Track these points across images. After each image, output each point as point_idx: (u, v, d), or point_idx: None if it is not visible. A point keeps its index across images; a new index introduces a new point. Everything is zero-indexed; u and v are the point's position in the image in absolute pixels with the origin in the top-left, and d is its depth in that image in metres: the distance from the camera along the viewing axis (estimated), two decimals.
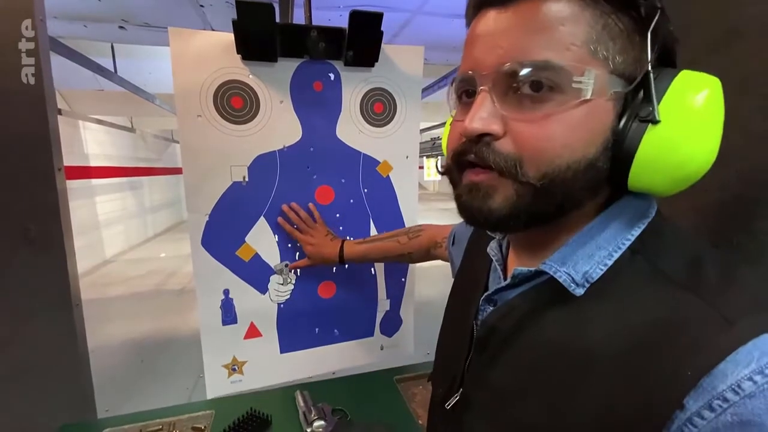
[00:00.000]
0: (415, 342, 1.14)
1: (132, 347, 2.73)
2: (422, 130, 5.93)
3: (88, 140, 4.68)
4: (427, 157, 8.44)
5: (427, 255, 0.84)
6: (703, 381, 0.24)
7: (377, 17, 0.84)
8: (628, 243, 0.32)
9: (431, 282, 2.68)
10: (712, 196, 0.54)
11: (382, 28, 0.87)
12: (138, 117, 5.55)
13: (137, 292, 3.85)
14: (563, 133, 0.29)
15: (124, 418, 0.85)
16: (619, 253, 0.32)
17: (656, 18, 0.29)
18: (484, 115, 0.30)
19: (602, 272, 0.31)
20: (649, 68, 0.29)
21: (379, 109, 0.98)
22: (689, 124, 0.28)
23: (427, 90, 2.99)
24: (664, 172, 0.29)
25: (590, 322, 0.31)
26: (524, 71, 0.29)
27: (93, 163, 4.77)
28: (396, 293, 1.10)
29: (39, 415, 0.90)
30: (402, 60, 0.97)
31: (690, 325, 0.26)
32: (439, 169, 0.41)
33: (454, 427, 0.41)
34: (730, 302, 0.27)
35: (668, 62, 0.32)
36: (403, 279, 1.10)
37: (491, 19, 0.31)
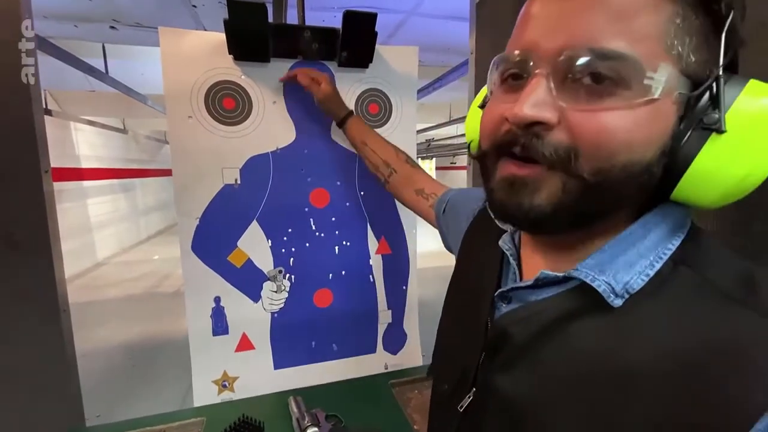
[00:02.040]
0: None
1: (124, 351, 2.70)
2: (417, 132, 5.93)
3: (80, 142, 4.63)
4: (423, 158, 8.44)
5: (404, 188, 0.78)
6: None
7: (371, 17, 0.83)
8: (669, 252, 0.29)
9: (427, 283, 2.67)
10: None
11: (376, 30, 0.86)
12: (130, 118, 5.50)
13: (130, 295, 3.81)
14: (625, 130, 0.26)
15: (113, 426, 0.83)
16: (661, 263, 0.29)
17: (731, 17, 0.26)
18: (538, 101, 0.27)
19: (644, 283, 0.29)
20: (720, 73, 0.26)
21: (375, 110, 0.97)
22: (756, 138, 0.26)
23: (422, 91, 2.99)
24: (718, 186, 0.27)
25: (633, 337, 0.28)
26: (591, 59, 0.26)
27: (84, 165, 4.72)
28: (398, 303, 1.06)
29: (25, 424, 0.88)
30: (396, 61, 0.97)
31: (754, 345, 0.24)
32: (472, 153, 0.38)
33: (468, 429, 0.39)
34: None
35: (732, 69, 0.29)
36: (404, 287, 1.06)
37: None
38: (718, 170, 0.27)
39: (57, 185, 0.84)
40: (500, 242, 0.40)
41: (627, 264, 0.30)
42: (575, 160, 0.27)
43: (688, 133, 0.27)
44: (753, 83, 0.27)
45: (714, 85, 0.27)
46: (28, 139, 0.82)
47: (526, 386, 0.33)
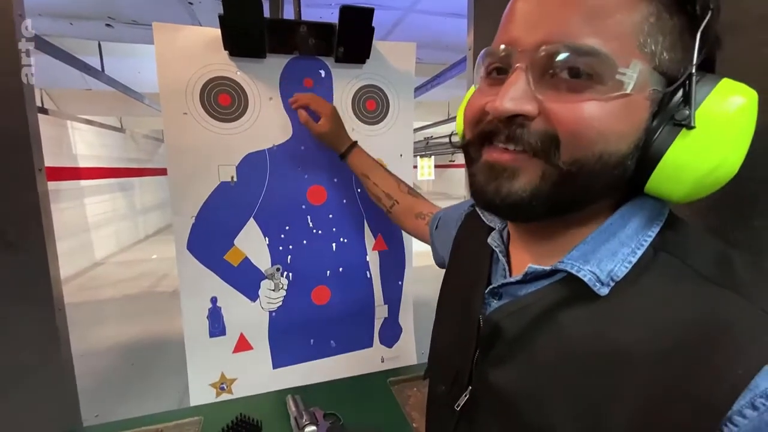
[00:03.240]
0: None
1: (122, 350, 2.69)
2: (416, 130, 5.93)
3: (77, 141, 4.61)
4: (421, 156, 8.43)
5: (406, 217, 0.79)
6: (752, 381, 0.24)
7: (368, 12, 0.82)
8: (649, 240, 0.31)
9: (424, 282, 2.67)
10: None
11: (373, 25, 0.85)
12: (127, 117, 5.48)
13: (128, 295, 3.80)
14: (601, 121, 0.28)
15: (109, 426, 0.82)
16: (642, 250, 0.31)
17: (708, 18, 0.27)
18: (517, 95, 0.29)
19: (627, 270, 0.30)
20: (693, 71, 0.28)
21: (372, 106, 0.96)
22: (723, 134, 0.27)
23: (420, 89, 2.98)
24: (687, 180, 0.29)
25: (619, 322, 0.29)
26: (566, 55, 0.27)
27: (82, 164, 4.70)
28: (394, 298, 1.06)
29: (21, 425, 0.87)
30: (394, 57, 0.96)
31: (732, 322, 0.26)
32: (454, 141, 0.39)
33: (466, 428, 0.39)
34: (765, 297, 0.26)
35: (708, 68, 0.31)
36: (400, 282, 1.07)
37: None
38: (688, 164, 0.28)
39: (54, 185, 0.83)
40: (489, 239, 0.41)
41: (610, 253, 0.31)
42: (555, 149, 0.28)
43: (661, 129, 0.29)
44: (725, 82, 0.28)
45: (687, 82, 0.28)
46: (21, 138, 0.81)
47: (519, 379, 0.34)
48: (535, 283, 0.35)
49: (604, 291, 0.30)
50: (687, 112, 0.28)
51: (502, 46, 0.31)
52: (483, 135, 0.32)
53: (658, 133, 0.29)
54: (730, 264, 0.28)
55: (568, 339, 0.31)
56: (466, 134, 0.35)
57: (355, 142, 0.86)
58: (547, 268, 0.33)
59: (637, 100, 0.28)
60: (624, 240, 0.31)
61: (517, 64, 0.29)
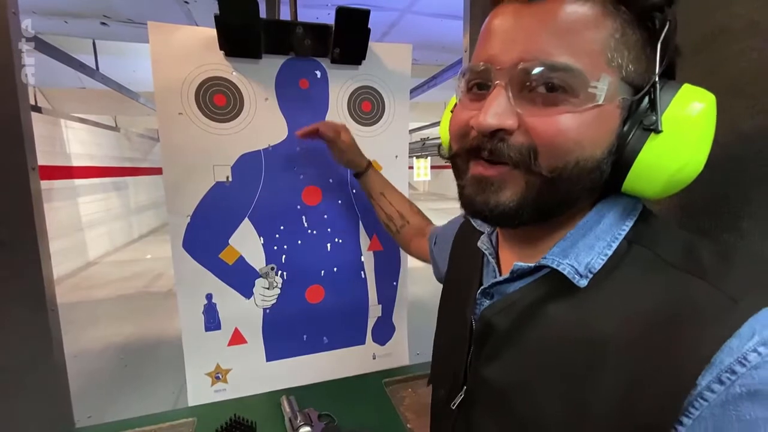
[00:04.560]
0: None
1: (116, 351, 2.67)
2: (412, 131, 5.94)
3: (71, 139, 4.57)
4: (417, 157, 8.44)
5: (414, 238, 0.80)
6: (714, 356, 0.25)
7: (364, 14, 0.82)
8: (623, 233, 0.33)
9: (420, 282, 2.67)
10: (700, 194, 0.54)
11: (370, 28, 0.85)
12: (122, 116, 5.44)
13: (122, 295, 3.76)
14: (576, 131, 0.30)
15: (102, 427, 0.82)
16: (617, 243, 0.33)
17: (666, 30, 0.30)
18: (499, 111, 0.31)
19: (603, 262, 0.32)
20: (656, 79, 0.30)
21: (367, 107, 0.97)
22: (687, 136, 0.30)
23: (416, 90, 2.99)
24: (659, 179, 0.31)
25: (597, 312, 0.31)
26: (542, 71, 0.29)
27: (76, 163, 4.66)
28: (388, 298, 1.07)
29: (12, 427, 0.86)
30: (390, 58, 0.96)
31: (699, 305, 0.27)
32: (442, 154, 0.41)
33: (463, 426, 0.41)
34: (730, 283, 0.28)
35: (670, 75, 0.33)
36: (394, 283, 1.07)
37: (512, 14, 0.31)
38: (659, 164, 0.31)
39: (47, 184, 0.83)
40: (479, 243, 0.43)
41: (587, 247, 0.33)
42: (535, 159, 0.31)
43: (632, 134, 0.31)
44: (686, 88, 0.31)
45: (652, 90, 0.30)
46: (14, 136, 0.81)
47: (510, 372, 0.36)
48: (522, 281, 0.37)
49: (583, 283, 0.32)
50: (654, 117, 0.30)
51: (482, 64, 0.33)
52: (470, 149, 0.34)
53: (629, 137, 0.31)
54: (696, 253, 0.30)
55: (552, 330, 0.33)
56: (453, 147, 0.37)
57: (370, 161, 0.86)
58: (532, 264, 0.35)
59: (608, 110, 0.30)
60: (600, 234, 0.34)
61: (497, 81, 0.31)
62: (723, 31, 0.52)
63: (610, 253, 0.33)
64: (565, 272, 0.32)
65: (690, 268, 0.29)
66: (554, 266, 0.33)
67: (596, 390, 0.29)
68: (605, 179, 0.33)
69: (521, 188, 0.32)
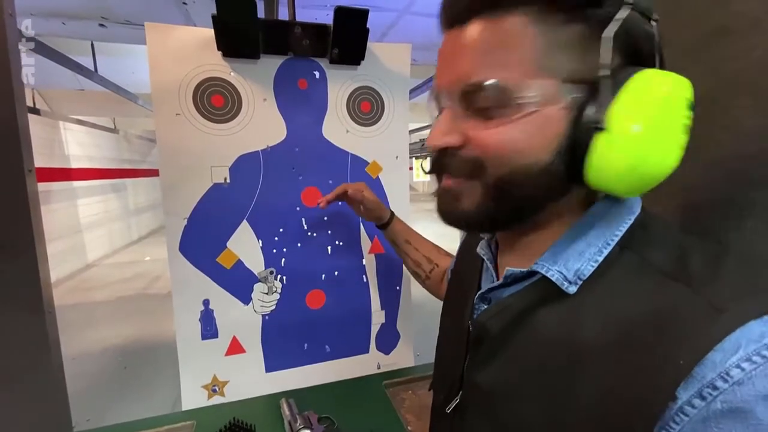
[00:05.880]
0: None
1: (115, 353, 2.66)
2: (411, 131, 5.93)
3: (69, 141, 4.56)
4: (417, 158, 8.43)
5: (444, 280, 0.76)
6: (694, 370, 0.25)
7: (363, 14, 0.82)
8: (616, 238, 0.32)
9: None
10: (702, 194, 0.53)
11: (369, 28, 0.85)
12: (121, 117, 5.43)
13: (121, 297, 3.75)
14: (512, 140, 0.31)
15: (100, 431, 0.81)
16: (609, 248, 0.32)
17: (620, 22, 0.28)
18: (443, 130, 0.33)
19: (593, 269, 0.32)
20: (600, 74, 0.28)
21: (367, 108, 0.96)
22: (636, 130, 0.27)
23: (415, 90, 2.98)
24: (618, 178, 0.29)
25: (583, 319, 0.31)
26: (467, 92, 0.31)
27: (74, 165, 4.64)
28: (391, 304, 1.04)
29: (9, 431, 0.86)
30: (389, 58, 0.96)
31: (680, 314, 0.27)
32: (425, 169, 0.43)
33: (457, 431, 0.41)
34: (717, 291, 0.27)
35: (645, 62, 0.30)
36: (398, 287, 1.05)
37: (448, 40, 0.34)
38: (609, 164, 0.29)
39: (46, 186, 0.82)
40: (477, 249, 0.44)
41: (577, 253, 0.33)
42: (484, 170, 0.32)
43: (580, 133, 0.30)
44: (640, 75, 0.28)
45: (597, 86, 0.29)
46: (11, 138, 0.80)
47: (500, 377, 0.36)
48: (516, 285, 0.37)
49: (572, 289, 0.32)
50: (598, 114, 0.29)
51: (435, 90, 0.35)
52: (438, 166, 0.36)
53: (578, 138, 0.30)
54: (686, 259, 0.29)
55: (540, 336, 0.33)
56: (430, 164, 0.39)
57: (393, 211, 0.85)
58: (524, 270, 0.35)
59: (549, 113, 0.30)
60: (591, 240, 0.33)
61: (442, 104, 0.34)
62: (725, 29, 0.51)
63: (600, 259, 0.32)
64: (553, 279, 0.32)
65: (677, 274, 0.28)
66: (543, 272, 0.33)
67: (576, 398, 0.29)
68: (565, 179, 0.31)
69: (478, 196, 0.33)
